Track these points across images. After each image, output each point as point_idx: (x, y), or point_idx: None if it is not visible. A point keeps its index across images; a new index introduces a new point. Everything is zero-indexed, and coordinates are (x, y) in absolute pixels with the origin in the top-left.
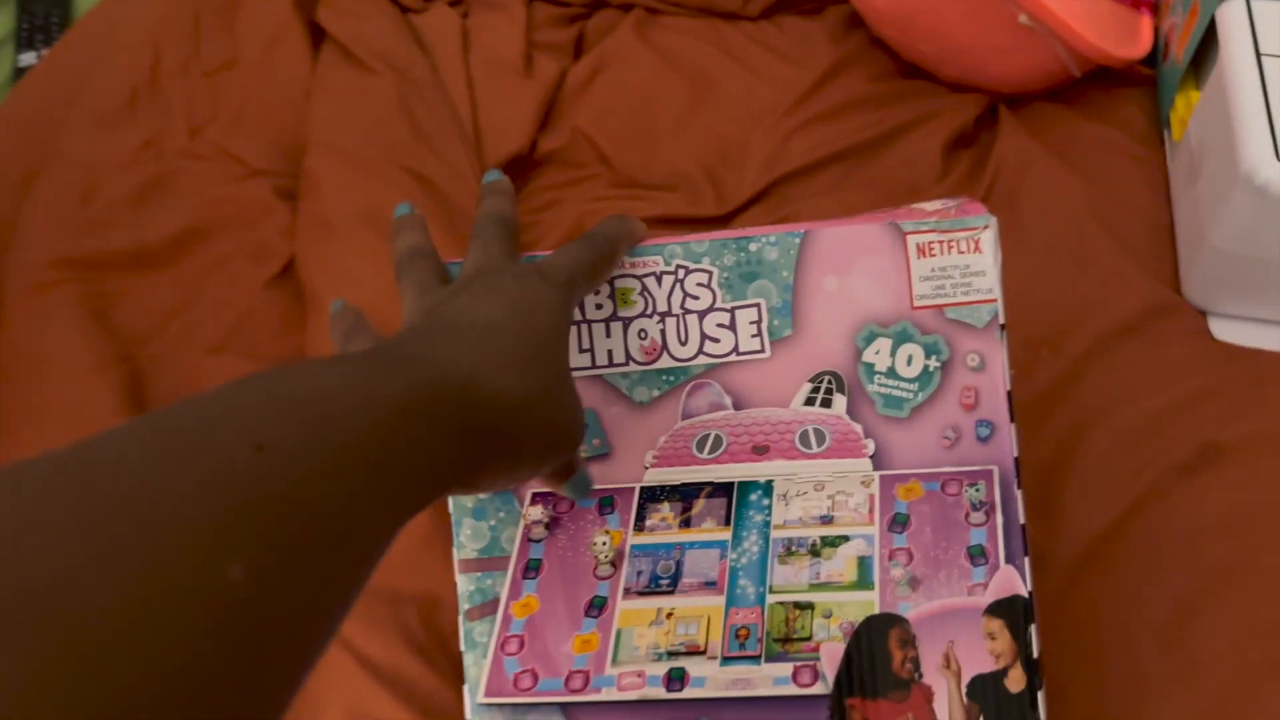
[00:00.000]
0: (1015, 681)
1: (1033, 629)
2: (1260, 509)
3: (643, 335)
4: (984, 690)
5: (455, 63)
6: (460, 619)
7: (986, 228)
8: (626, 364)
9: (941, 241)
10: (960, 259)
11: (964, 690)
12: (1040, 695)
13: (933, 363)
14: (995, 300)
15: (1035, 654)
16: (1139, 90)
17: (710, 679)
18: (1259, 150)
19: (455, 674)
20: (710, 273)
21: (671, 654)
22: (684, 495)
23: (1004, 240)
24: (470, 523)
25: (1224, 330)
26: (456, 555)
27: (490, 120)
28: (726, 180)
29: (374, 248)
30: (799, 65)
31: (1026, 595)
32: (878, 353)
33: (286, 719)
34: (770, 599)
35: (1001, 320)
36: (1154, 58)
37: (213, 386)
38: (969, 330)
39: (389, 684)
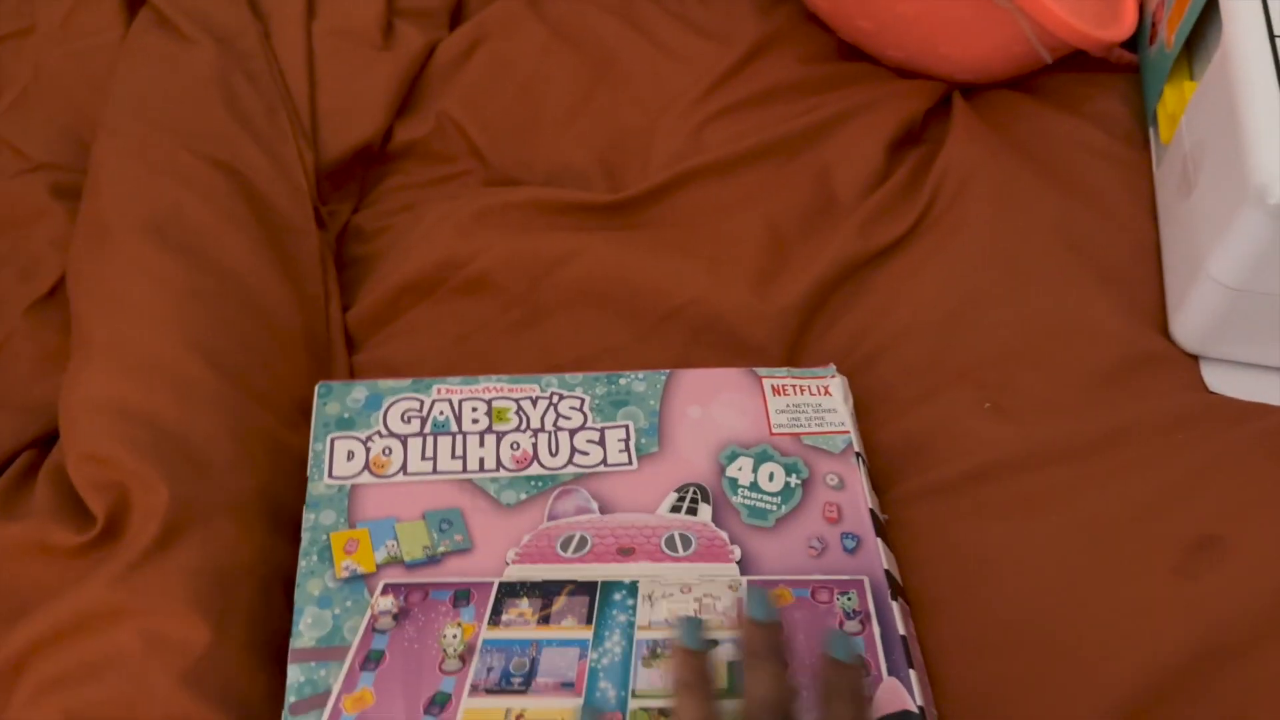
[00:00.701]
0: None
1: None
2: (1272, 616)
3: (515, 446)
4: None
5: (294, 30)
6: (285, 713)
7: (834, 377)
8: (497, 469)
9: (794, 385)
10: (813, 399)
11: None
12: None
13: (793, 480)
14: (848, 432)
15: None
16: (1120, 79)
17: None
18: (1273, 159)
19: None
20: (583, 399)
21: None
22: (545, 592)
23: (946, 255)
24: (313, 610)
25: (1221, 380)
26: (292, 645)
27: (332, 102)
28: (624, 176)
29: (156, 264)
30: (718, 42)
31: (916, 710)
32: (740, 469)
33: None
34: (633, 704)
35: (857, 449)
36: (1138, 40)
37: None
38: (826, 454)
39: None
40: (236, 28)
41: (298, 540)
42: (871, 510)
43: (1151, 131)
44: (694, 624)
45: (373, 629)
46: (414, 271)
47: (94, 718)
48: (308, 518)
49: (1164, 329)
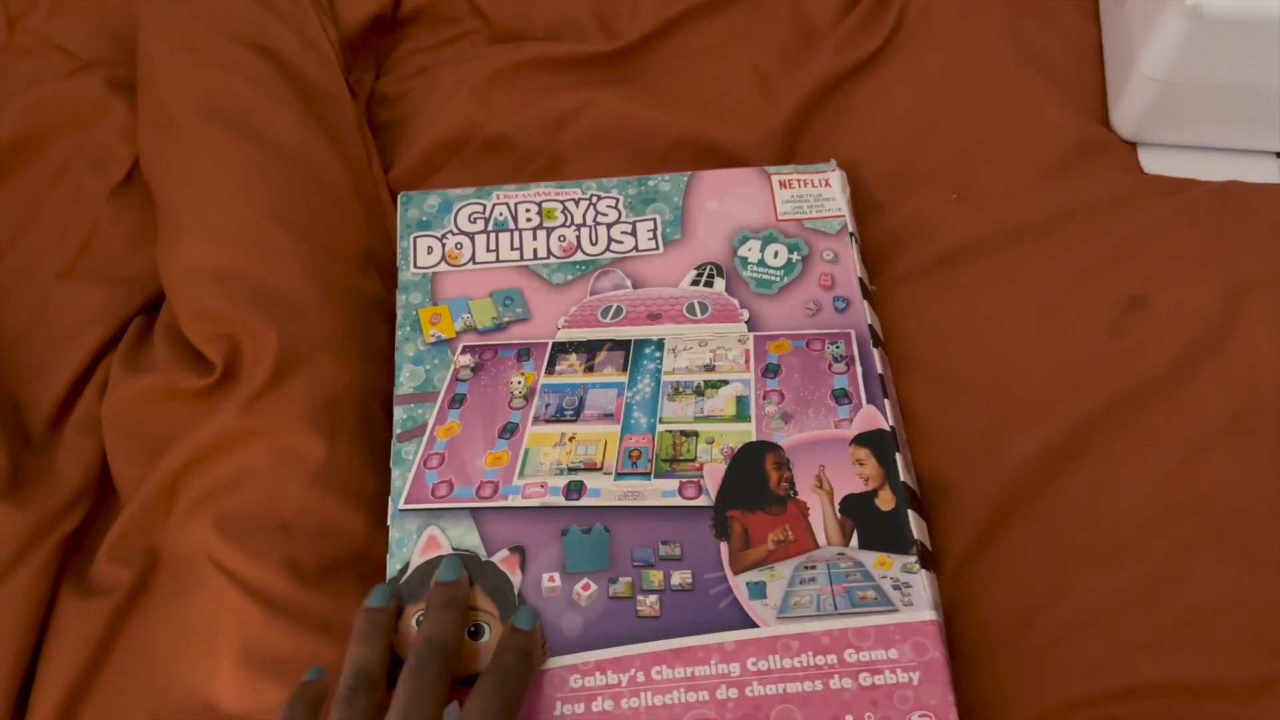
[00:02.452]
0: (885, 501)
1: (898, 456)
2: (1189, 365)
3: (562, 239)
4: (856, 508)
5: None
6: (393, 441)
7: (834, 170)
8: (548, 257)
9: (799, 179)
10: (814, 190)
11: (837, 507)
12: (912, 515)
13: (795, 256)
14: (844, 216)
15: (903, 478)
16: None
17: (605, 491)
18: None
19: (355, 594)
20: (617, 199)
21: (572, 470)
22: (589, 349)
23: (915, 73)
24: (410, 367)
25: (1156, 162)
26: (396, 393)
27: None
28: (618, 23)
29: (220, 144)
30: None
31: (889, 429)
32: (750, 249)
33: (178, 664)
34: (660, 428)
35: (851, 230)
36: None
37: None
38: (824, 235)
39: (284, 614)
40: None
41: (384, 365)
42: (860, 279)
43: None
44: (453, 562)
45: (456, 379)
46: (440, 134)
47: (241, 517)
48: (400, 299)
49: (1106, 121)
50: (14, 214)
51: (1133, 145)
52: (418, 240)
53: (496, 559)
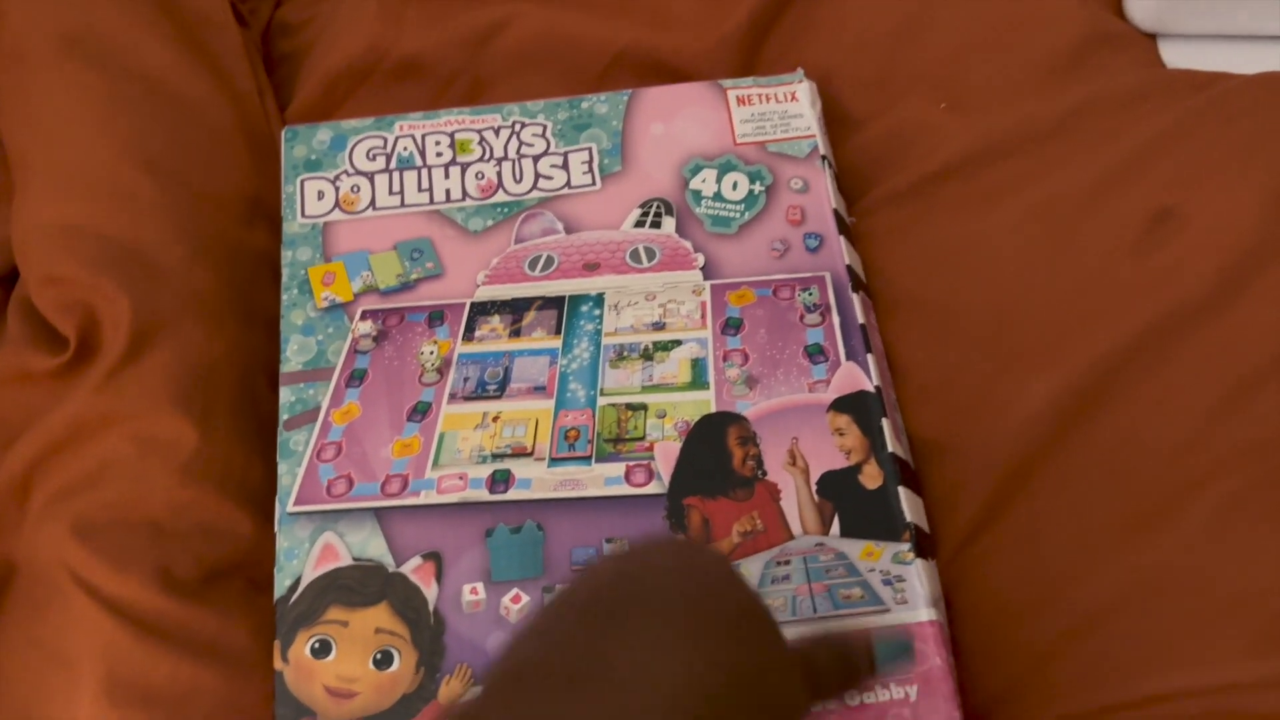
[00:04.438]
0: (871, 478)
1: (885, 423)
2: (1230, 288)
3: (480, 176)
4: (837, 487)
5: None
6: (279, 430)
7: (801, 82)
8: (463, 199)
9: (760, 94)
10: (778, 106)
11: (814, 487)
12: (904, 492)
13: (757, 187)
14: (814, 136)
15: (891, 449)
16: None
17: (537, 480)
18: None
19: (243, 607)
20: (545, 125)
21: (497, 456)
22: (515, 308)
23: None
24: (298, 338)
25: (1179, 56)
26: (282, 370)
27: None
28: None
29: (78, 80)
30: None
31: (873, 389)
32: (704, 181)
33: (33, 696)
34: (601, 401)
35: (823, 152)
36: None
37: None
38: (791, 160)
39: (156, 633)
40: None
41: (271, 330)
42: (835, 210)
43: None
44: None
45: (355, 351)
46: (342, 60)
47: (104, 519)
48: (285, 255)
49: (1119, 9)
50: None
51: (1152, 37)
52: (306, 184)
53: (407, 569)
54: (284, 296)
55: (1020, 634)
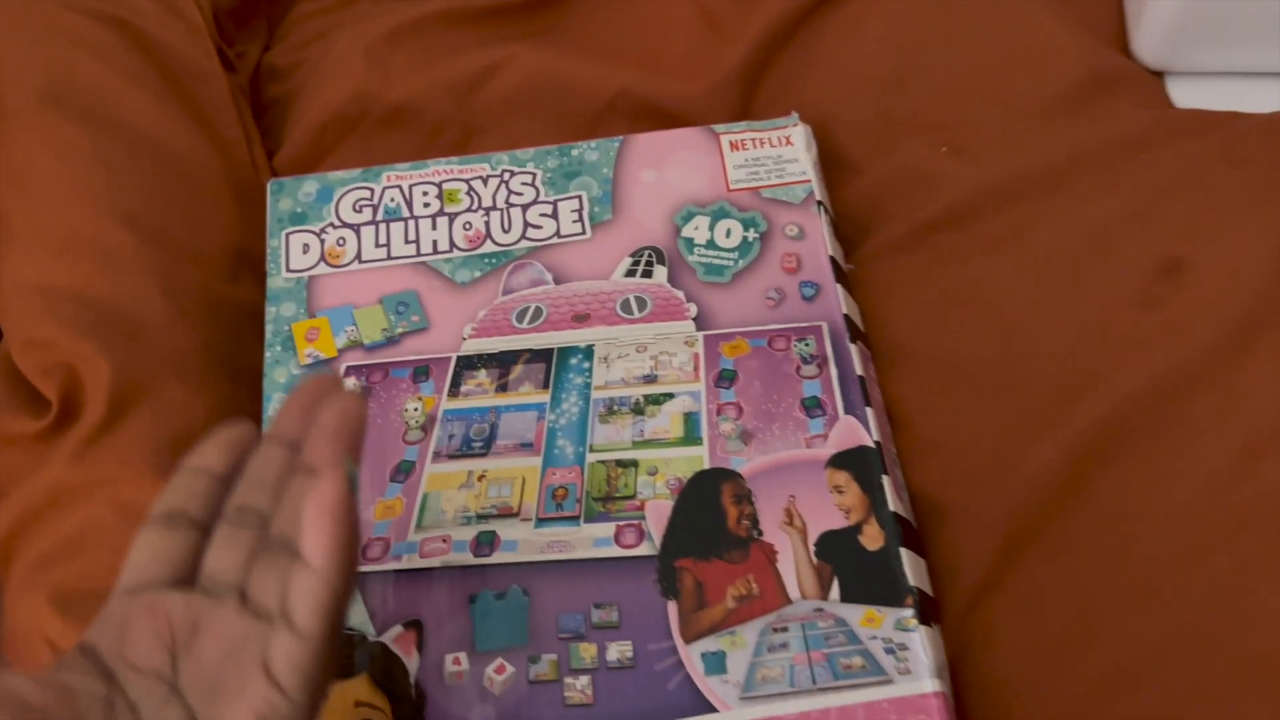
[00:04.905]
0: (872, 538)
1: (885, 480)
2: (1240, 340)
3: (467, 226)
4: (836, 548)
5: None
6: None
7: (796, 125)
8: (450, 250)
9: (754, 138)
10: (773, 150)
11: (812, 549)
12: (906, 554)
13: (751, 235)
14: (809, 181)
15: (892, 507)
16: None
17: (523, 542)
18: None
19: None
20: (534, 174)
21: (482, 517)
22: (501, 362)
23: (889, 8)
24: (281, 396)
25: (1189, 94)
26: (265, 430)
27: None
28: None
29: (59, 135)
30: None
31: (874, 445)
32: (696, 228)
33: None
34: (590, 457)
35: (819, 198)
36: None
37: None
38: (786, 206)
39: None
40: None
41: (259, 387)
42: (832, 258)
43: None
44: None
45: None
46: (330, 107)
47: (83, 589)
48: (269, 311)
49: (1124, 46)
50: None
51: (1159, 74)
52: (290, 237)
53: (387, 638)
54: (267, 354)
55: (1027, 705)
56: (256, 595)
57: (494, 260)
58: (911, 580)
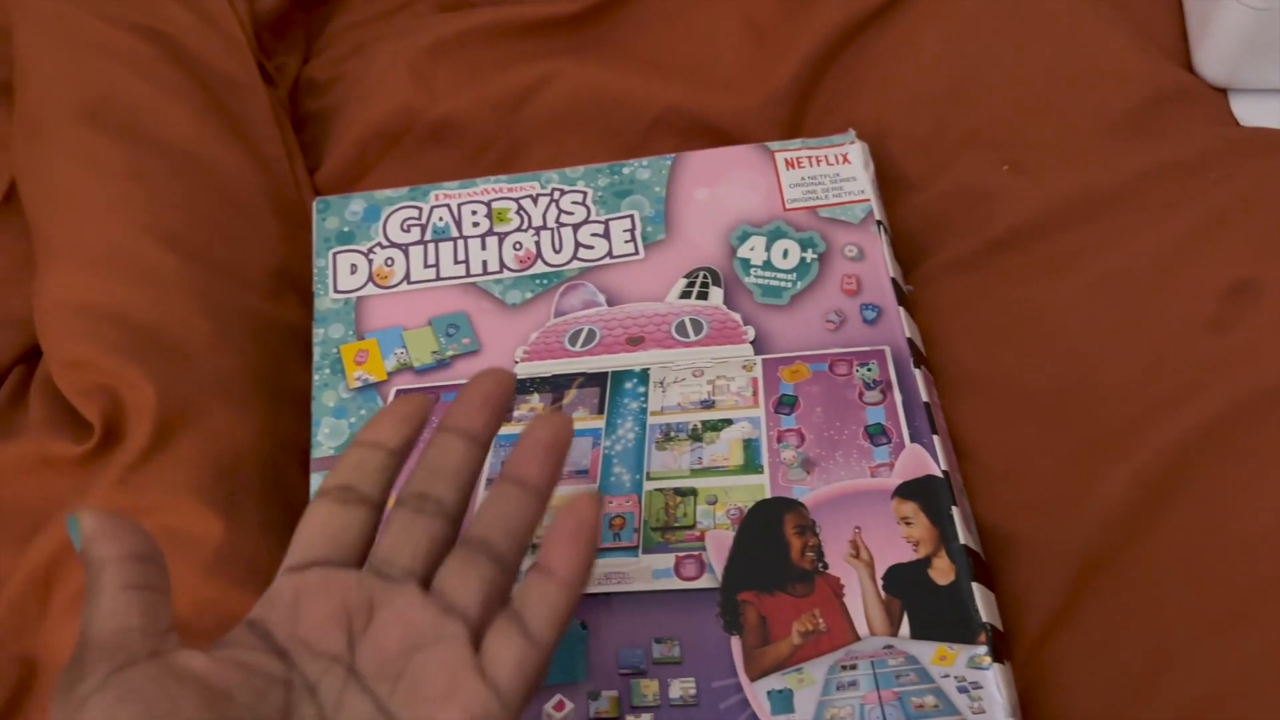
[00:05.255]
0: (942, 573)
1: (955, 511)
2: None
3: (517, 246)
4: (905, 582)
5: None
6: None
7: (853, 143)
8: (500, 271)
9: (809, 156)
10: (829, 169)
11: (880, 582)
12: (978, 589)
13: (809, 255)
14: (868, 200)
15: (963, 540)
16: None
17: None
18: None
19: None
20: (585, 193)
21: (535, 548)
22: (555, 386)
23: (947, 13)
24: (330, 421)
25: (1254, 111)
26: (313, 455)
27: None
28: None
29: (97, 151)
30: None
31: (941, 474)
32: (752, 249)
33: None
34: (648, 485)
35: (878, 217)
36: None
37: None
38: (844, 226)
39: None
40: None
41: (302, 410)
42: (893, 279)
43: None
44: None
45: None
46: (373, 122)
47: None
48: (316, 333)
49: (1187, 62)
50: None
51: (1223, 91)
52: (338, 257)
53: None
54: (315, 377)
55: None
56: (449, 590)
57: (545, 281)
58: (984, 616)
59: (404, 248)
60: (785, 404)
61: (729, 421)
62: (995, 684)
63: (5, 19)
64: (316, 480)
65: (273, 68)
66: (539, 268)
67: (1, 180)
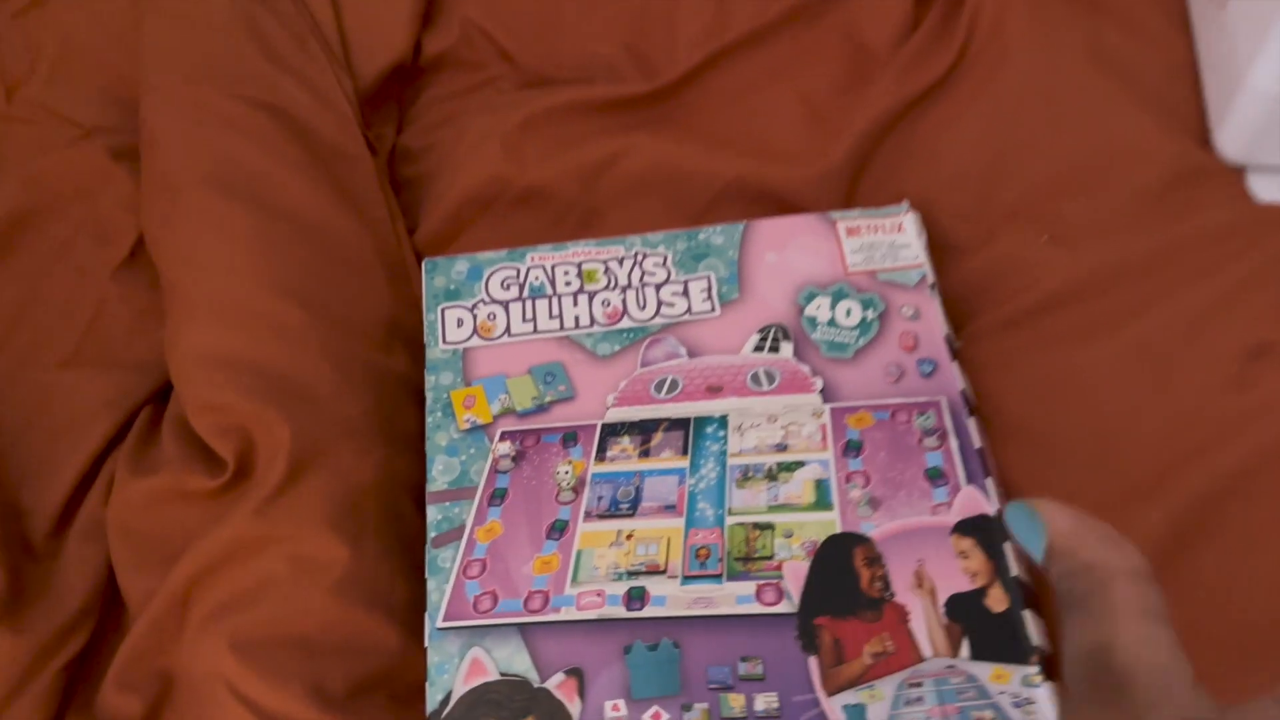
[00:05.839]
0: (997, 601)
1: (1007, 547)
2: None
3: (606, 304)
4: (964, 610)
5: None
6: (427, 547)
7: (907, 213)
8: (591, 325)
9: (868, 225)
10: (886, 237)
11: (941, 610)
12: (1030, 615)
13: (870, 314)
14: (922, 265)
15: (1015, 572)
16: None
17: (671, 598)
18: None
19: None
20: (665, 255)
21: (631, 573)
22: (643, 429)
23: (988, 97)
24: (443, 458)
25: (1269, 188)
26: (429, 489)
27: (359, 23)
28: (654, 59)
29: (227, 216)
30: None
31: (994, 513)
32: (818, 308)
33: None
34: (730, 520)
35: (931, 281)
36: None
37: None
38: (901, 289)
39: None
40: None
41: (413, 450)
42: (946, 337)
43: None
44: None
45: (495, 470)
46: (468, 189)
47: (259, 636)
48: (429, 380)
49: (1206, 143)
50: (13, 296)
51: (1241, 170)
52: (446, 312)
53: (551, 685)
54: (428, 419)
55: None
56: None
57: (632, 335)
58: (1036, 640)
59: (504, 304)
60: (852, 448)
61: (801, 463)
62: (1048, 700)
63: (132, 93)
64: (433, 512)
65: (373, 137)
66: (626, 323)
67: (128, 238)
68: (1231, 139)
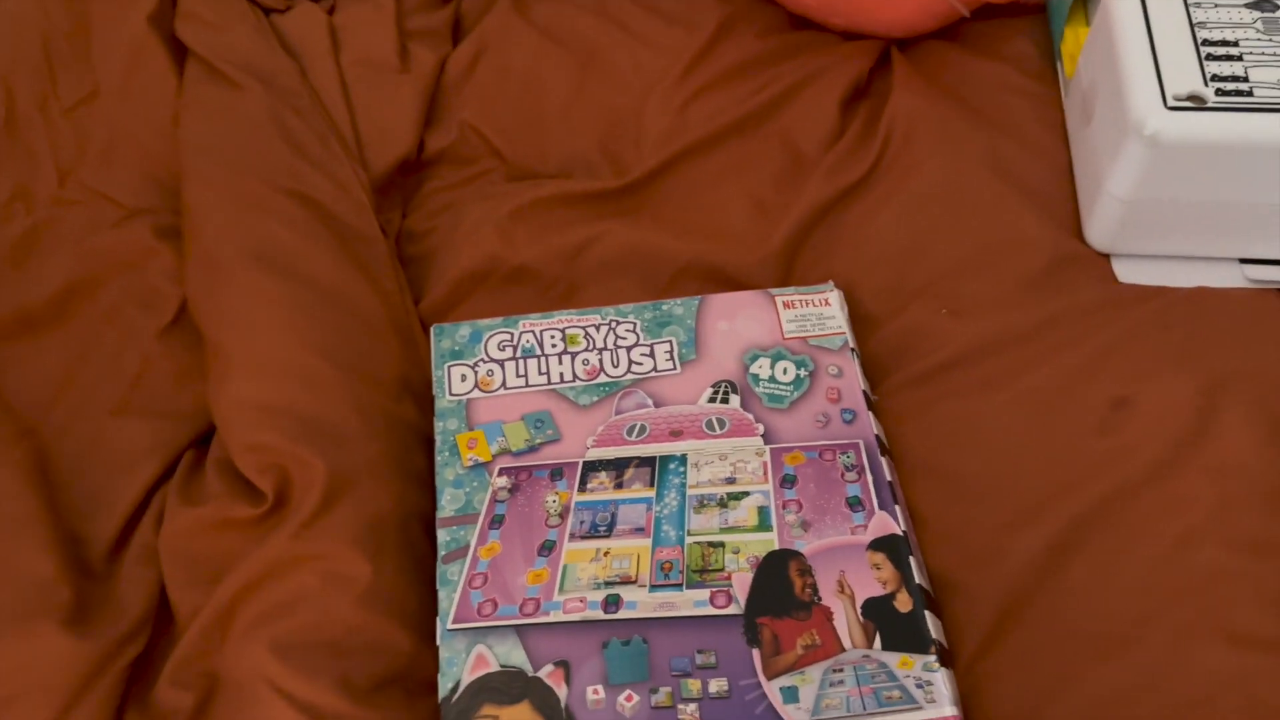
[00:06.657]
0: (903, 604)
1: (912, 560)
2: (1173, 459)
3: (586, 362)
4: (877, 611)
5: (326, 65)
6: (438, 563)
7: (832, 290)
8: (573, 381)
9: (800, 299)
10: (815, 309)
11: (859, 611)
12: (929, 615)
13: (802, 372)
14: (844, 333)
15: (918, 581)
16: (1028, 21)
17: (641, 603)
18: (1146, 99)
19: (403, 709)
20: (635, 323)
21: (608, 583)
22: (617, 466)
23: (901, 195)
24: (450, 490)
25: (1129, 271)
26: (438, 515)
27: (371, 124)
28: (624, 157)
29: (266, 287)
30: (686, 27)
31: (901, 533)
32: (761, 367)
33: None
34: (689, 540)
35: (852, 345)
36: None
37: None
38: (828, 351)
39: None
40: (276, 68)
41: (421, 485)
42: (864, 391)
43: (1058, 68)
44: None
45: (495, 500)
46: (467, 267)
47: (295, 640)
48: (438, 425)
49: (1079, 234)
50: (69, 354)
51: (1106, 256)
52: (451, 369)
53: (542, 674)
54: (438, 458)
55: None
56: None
57: (607, 389)
58: (934, 635)
59: (501, 362)
60: (788, 481)
61: (747, 493)
62: (942, 682)
63: (172, 178)
64: (443, 534)
65: (383, 221)
66: (602, 378)
67: (172, 305)
68: (1097, 232)
